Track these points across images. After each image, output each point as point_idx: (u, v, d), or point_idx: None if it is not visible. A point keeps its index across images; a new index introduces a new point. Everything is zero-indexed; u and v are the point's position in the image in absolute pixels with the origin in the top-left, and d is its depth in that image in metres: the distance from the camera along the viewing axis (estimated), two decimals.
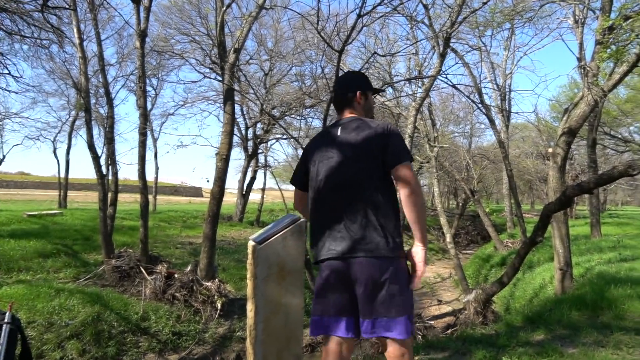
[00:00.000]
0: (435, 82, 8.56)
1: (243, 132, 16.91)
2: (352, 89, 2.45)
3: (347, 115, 2.44)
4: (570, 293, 6.72)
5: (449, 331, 8.41)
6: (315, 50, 10.37)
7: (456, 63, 9.74)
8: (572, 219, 27.32)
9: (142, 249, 7.42)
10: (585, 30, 7.77)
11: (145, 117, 7.63)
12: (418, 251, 2.24)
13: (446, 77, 11.64)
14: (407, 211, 2.16)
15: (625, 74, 6.31)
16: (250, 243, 2.55)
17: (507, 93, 16.99)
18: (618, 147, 23.38)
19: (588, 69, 6.47)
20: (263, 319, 2.55)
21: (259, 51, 15.05)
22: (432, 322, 9.48)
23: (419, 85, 10.11)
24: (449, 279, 15.59)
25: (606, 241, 12.93)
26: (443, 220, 11.40)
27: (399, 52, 7.78)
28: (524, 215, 16.58)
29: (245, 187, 17.31)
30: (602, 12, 6.50)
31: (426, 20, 7.71)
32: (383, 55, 8.28)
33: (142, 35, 7.34)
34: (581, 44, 7.47)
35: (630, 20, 5.77)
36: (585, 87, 6.54)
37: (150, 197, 17.62)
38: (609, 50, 6.04)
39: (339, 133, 2.34)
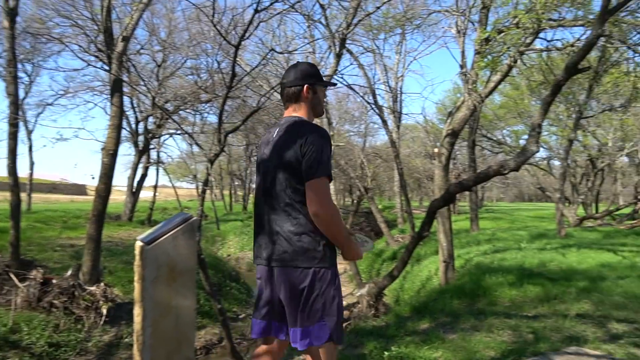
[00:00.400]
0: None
1: (133, 126, 15.96)
2: (299, 82, 2.28)
3: (291, 111, 2.31)
4: (452, 283, 7.25)
5: (343, 325, 8.68)
6: (211, 44, 10.09)
7: (351, 64, 10.09)
8: (454, 214, 29.56)
9: (12, 253, 6.67)
10: (466, 40, 8.40)
11: (16, 105, 6.85)
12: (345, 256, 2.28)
13: (342, 77, 11.95)
14: (319, 228, 2.10)
15: (499, 82, 6.94)
16: (138, 243, 2.39)
17: (399, 95, 17.92)
18: (493, 149, 25.71)
19: (468, 75, 7.02)
20: (151, 323, 2.41)
21: (150, 41, 14.28)
22: None
23: None
24: (344, 274, 16.07)
25: (483, 234, 14.17)
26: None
27: (296, 49, 7.83)
28: (413, 211, 17.58)
29: (135, 185, 16.37)
30: (479, 24, 7.09)
31: (323, 20, 7.85)
32: (281, 53, 8.27)
33: (12, 13, 6.59)
34: (463, 53, 8.06)
35: (502, 33, 6.34)
36: (466, 92, 7.09)
37: (24, 195, 15.96)
38: (485, 59, 6.59)
39: (274, 135, 2.25)
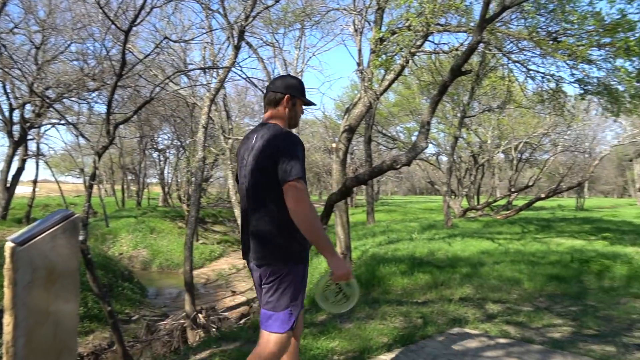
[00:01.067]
0: (230, 74, 8.58)
1: (7, 114, 14.39)
2: (282, 90, 2.44)
3: (268, 115, 2.46)
4: None
5: (242, 321, 8.61)
6: (99, 28, 9.37)
7: (250, 56, 9.94)
8: (352, 207, 30.64)
9: None
10: (363, 39, 8.71)
11: None
12: (331, 265, 2.31)
13: (241, 70, 11.78)
14: (300, 224, 2.22)
15: (393, 80, 7.27)
16: (8, 244, 2.16)
17: None
18: (388, 144, 27.00)
19: (365, 73, 7.28)
20: (25, 332, 2.19)
21: (26, 19, 12.90)
22: (226, 313, 9.57)
23: (214, 75, 10.01)
24: (244, 270, 15.92)
25: (378, 226, 14.84)
26: (237, 212, 11.54)
27: (193, 39, 7.54)
28: (312, 205, 17.88)
29: (10, 179, 14.80)
30: (375, 24, 7.37)
31: (221, 11, 7.66)
32: (176, 41, 7.94)
33: None
34: (360, 51, 8.35)
35: (396, 34, 6.66)
36: (362, 89, 7.35)
37: None
38: (380, 59, 6.88)
39: (254, 140, 2.39)
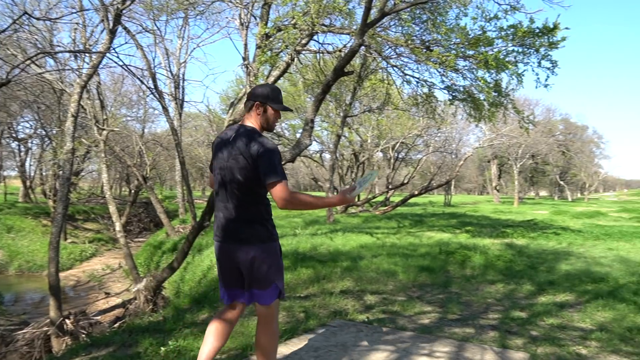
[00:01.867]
0: (105, 60, 7.95)
1: None
2: (254, 98, 2.71)
3: (246, 119, 2.74)
4: None
5: (117, 324, 8.07)
6: None
7: (127, 42, 9.24)
8: None
9: None
10: (249, 34, 8.59)
11: None
12: (343, 201, 2.75)
13: (117, 56, 10.98)
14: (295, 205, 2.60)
15: (278, 77, 7.31)
16: None
17: (181, 81, 17.34)
18: (273, 140, 27.04)
19: (250, 68, 7.22)
20: None
21: None
22: (98, 317, 8.91)
23: (87, 60, 9.20)
24: (119, 270, 14.96)
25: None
26: (112, 208, 10.79)
27: (60, 18, 6.78)
28: (195, 201, 17.34)
29: None
30: (261, 20, 7.34)
31: None
32: (38, 19, 7.12)
33: None
34: (246, 45, 8.23)
35: (282, 32, 6.70)
36: (248, 84, 7.28)
37: None
38: (266, 55, 6.87)
39: (231, 138, 2.66)
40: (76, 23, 9.19)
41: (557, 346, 3.76)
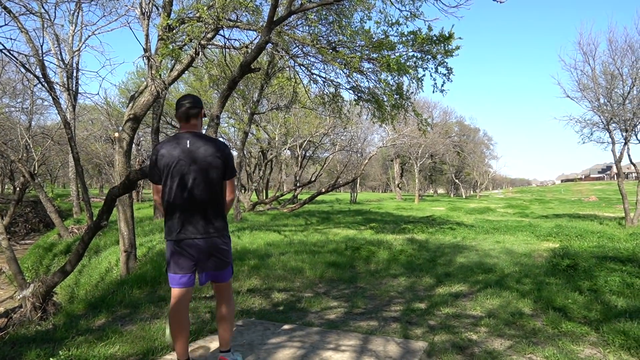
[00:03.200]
0: None
1: None
2: (199, 105, 3.15)
3: (190, 126, 3.12)
4: (133, 273, 7.01)
5: None
6: None
7: (6, 24, 8.28)
8: (138, 202, 28.77)
9: None
10: (150, 24, 8.17)
11: None
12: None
13: None
14: (230, 204, 3.22)
15: (182, 71, 7.04)
16: None
17: (74, 71, 16.10)
18: None
19: (152, 61, 6.87)
20: None
21: None
22: None
23: None
24: (1, 276, 13.57)
25: None
26: None
27: None
28: (92, 199, 16.23)
29: None
30: (163, 10, 7.02)
31: None
32: None
33: None
34: (147, 36, 7.79)
35: (185, 24, 6.46)
36: (150, 77, 6.93)
37: None
38: (170, 47, 6.58)
39: (188, 145, 3.02)
40: None
41: (452, 334, 4.02)
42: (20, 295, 7.84)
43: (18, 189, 22.16)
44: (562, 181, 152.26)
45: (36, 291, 7.58)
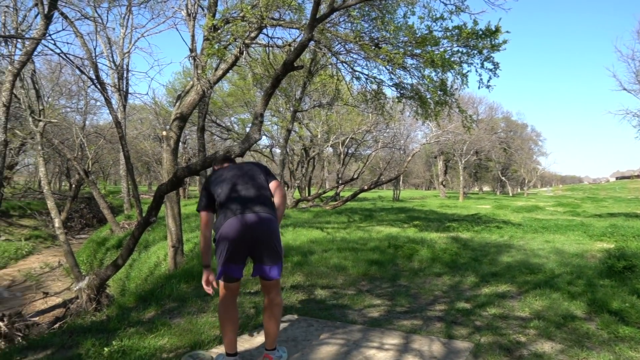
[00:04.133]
0: (41, 48, 7.52)
1: None
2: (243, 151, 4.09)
3: (227, 164, 3.65)
4: (181, 268, 7.22)
5: (56, 325, 7.70)
6: None
7: (64, 29, 8.70)
8: (185, 199, 29.57)
9: None
10: (196, 25, 8.36)
11: None
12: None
13: (54, 44, 10.39)
14: (282, 205, 3.44)
15: (227, 70, 7.18)
16: None
17: (125, 72, 16.70)
18: (222, 135, 26.64)
19: (198, 60, 7.03)
20: None
21: None
22: (36, 318, 8.47)
23: (19, 47, 8.64)
24: (59, 268, 14.29)
25: None
26: (51, 203, 10.25)
27: None
28: (141, 196, 16.80)
29: None
30: (209, 11, 7.16)
31: None
32: None
33: None
34: (193, 37, 7.99)
35: (230, 24, 6.57)
36: (195, 77, 7.10)
37: None
38: (214, 47, 6.72)
39: (236, 172, 3.43)
40: (6, 6, 8.60)
41: (499, 335, 3.92)
42: (77, 287, 8.24)
43: (74, 186, 23.26)
44: (617, 178, 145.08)
45: (91, 283, 7.94)
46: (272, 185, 3.46)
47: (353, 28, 7.58)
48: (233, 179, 3.39)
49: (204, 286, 3.33)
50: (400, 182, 45.13)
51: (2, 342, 6.82)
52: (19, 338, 6.93)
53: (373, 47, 7.12)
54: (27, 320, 7.93)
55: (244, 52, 6.89)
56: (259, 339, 3.79)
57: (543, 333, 4.00)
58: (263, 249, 3.16)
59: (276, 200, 3.42)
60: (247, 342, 3.72)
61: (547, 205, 29.53)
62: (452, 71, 6.99)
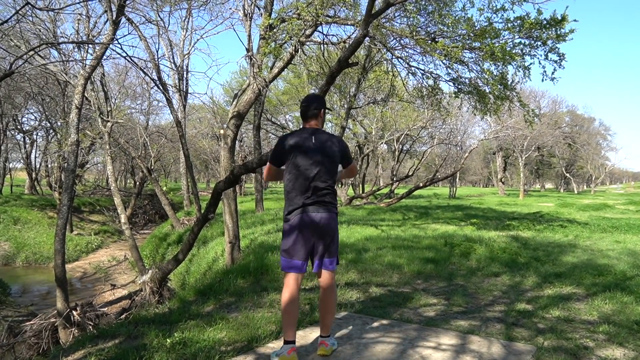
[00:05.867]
0: (108, 52, 7.92)
1: None
2: (319, 107, 3.52)
3: (313, 124, 3.50)
4: (238, 263, 7.40)
5: (123, 316, 8.11)
6: None
7: (129, 33, 9.15)
8: (241, 196, 30.30)
9: None
10: (253, 25, 8.51)
11: None
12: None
13: (121, 48, 10.92)
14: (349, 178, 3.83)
15: (282, 69, 7.26)
16: None
17: (185, 73, 17.31)
18: (277, 132, 27.02)
19: (254, 60, 7.17)
20: None
21: None
22: (105, 308, 8.97)
23: (90, 52, 9.14)
24: (125, 262, 15.05)
25: (267, 214, 14.86)
26: (117, 200, 10.82)
27: (62, 8, 6.71)
28: (200, 193, 17.37)
29: None
30: (265, 10, 7.28)
31: None
32: (41, 9, 7.09)
33: None
34: (249, 37, 8.15)
35: (285, 23, 6.64)
36: (252, 76, 7.23)
37: None
38: (270, 46, 6.82)
39: (313, 140, 3.36)
40: (79, 14, 9.13)
41: (564, 339, 3.74)
42: (141, 280, 8.64)
43: (138, 183, 24.40)
44: None
45: (154, 277, 8.31)
46: (350, 167, 3.65)
47: (409, 22, 7.45)
48: (308, 162, 3.36)
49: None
50: (457, 180, 44.00)
51: (76, 330, 7.27)
52: (90, 327, 7.36)
53: (429, 42, 6.97)
54: (97, 310, 8.41)
55: (299, 50, 6.95)
56: (314, 334, 3.81)
57: (613, 338, 3.77)
58: (326, 246, 3.33)
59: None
60: (303, 338, 3.75)
61: (617, 203, 27.84)
62: (513, 64, 6.71)
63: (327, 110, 3.75)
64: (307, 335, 3.80)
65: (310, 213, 3.26)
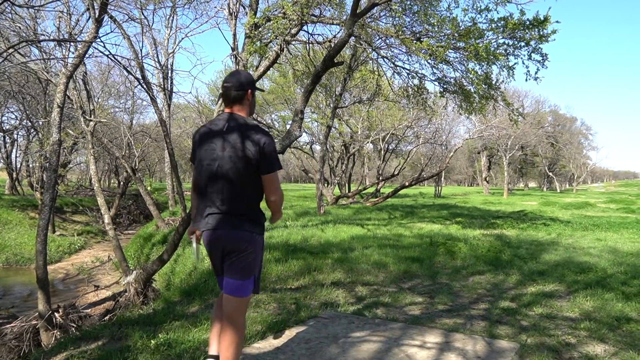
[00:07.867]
0: (91, 50, 7.80)
1: None
2: (247, 86, 2.67)
3: (236, 110, 2.67)
4: None
5: (107, 317, 8.01)
6: None
7: (112, 31, 9.05)
8: None
9: None
10: (238, 24, 8.48)
11: None
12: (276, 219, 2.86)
13: (104, 46, 10.78)
14: (272, 209, 2.74)
15: (267, 68, 7.22)
16: None
17: (169, 72, 17.15)
18: None
19: (239, 58, 7.13)
20: None
21: None
22: (88, 310, 8.84)
23: (72, 50, 9.01)
24: (109, 262, 14.87)
25: None
26: (101, 200, 10.68)
27: (43, 5, 6.54)
28: (185, 193, 17.22)
29: None
30: (250, 9, 7.24)
31: None
32: (20, 6, 6.93)
33: None
34: (234, 35, 8.13)
35: (271, 22, 6.62)
36: None
37: None
38: (255, 45, 6.79)
39: (224, 128, 2.60)
40: (60, 11, 8.99)
41: (546, 335, 3.79)
42: (125, 281, 8.54)
43: (122, 183, 24.13)
44: None
45: (138, 277, 8.22)
46: (266, 179, 2.61)
47: (394, 22, 7.49)
48: (210, 158, 2.64)
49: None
50: (442, 179, 44.33)
51: (58, 332, 7.16)
52: (73, 329, 7.25)
53: (414, 41, 7.01)
54: (80, 311, 8.29)
55: (285, 49, 6.93)
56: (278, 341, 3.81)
57: (595, 335, 3.84)
58: (230, 263, 2.65)
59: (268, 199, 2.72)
60: (287, 338, 3.74)
61: (598, 201, 28.31)
62: (497, 63, 6.79)
63: (256, 91, 2.88)
64: (293, 335, 3.79)
65: (210, 228, 2.61)
